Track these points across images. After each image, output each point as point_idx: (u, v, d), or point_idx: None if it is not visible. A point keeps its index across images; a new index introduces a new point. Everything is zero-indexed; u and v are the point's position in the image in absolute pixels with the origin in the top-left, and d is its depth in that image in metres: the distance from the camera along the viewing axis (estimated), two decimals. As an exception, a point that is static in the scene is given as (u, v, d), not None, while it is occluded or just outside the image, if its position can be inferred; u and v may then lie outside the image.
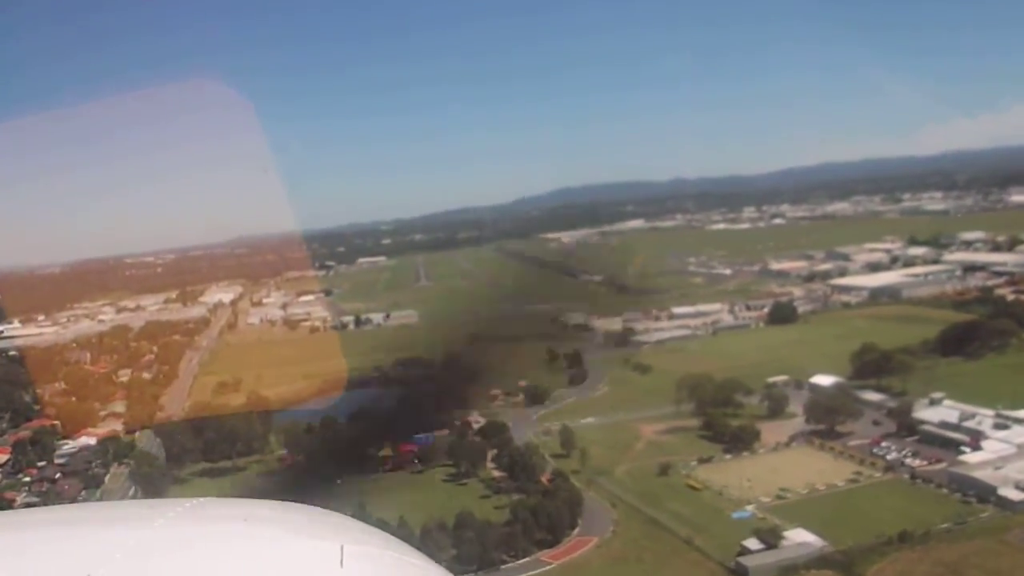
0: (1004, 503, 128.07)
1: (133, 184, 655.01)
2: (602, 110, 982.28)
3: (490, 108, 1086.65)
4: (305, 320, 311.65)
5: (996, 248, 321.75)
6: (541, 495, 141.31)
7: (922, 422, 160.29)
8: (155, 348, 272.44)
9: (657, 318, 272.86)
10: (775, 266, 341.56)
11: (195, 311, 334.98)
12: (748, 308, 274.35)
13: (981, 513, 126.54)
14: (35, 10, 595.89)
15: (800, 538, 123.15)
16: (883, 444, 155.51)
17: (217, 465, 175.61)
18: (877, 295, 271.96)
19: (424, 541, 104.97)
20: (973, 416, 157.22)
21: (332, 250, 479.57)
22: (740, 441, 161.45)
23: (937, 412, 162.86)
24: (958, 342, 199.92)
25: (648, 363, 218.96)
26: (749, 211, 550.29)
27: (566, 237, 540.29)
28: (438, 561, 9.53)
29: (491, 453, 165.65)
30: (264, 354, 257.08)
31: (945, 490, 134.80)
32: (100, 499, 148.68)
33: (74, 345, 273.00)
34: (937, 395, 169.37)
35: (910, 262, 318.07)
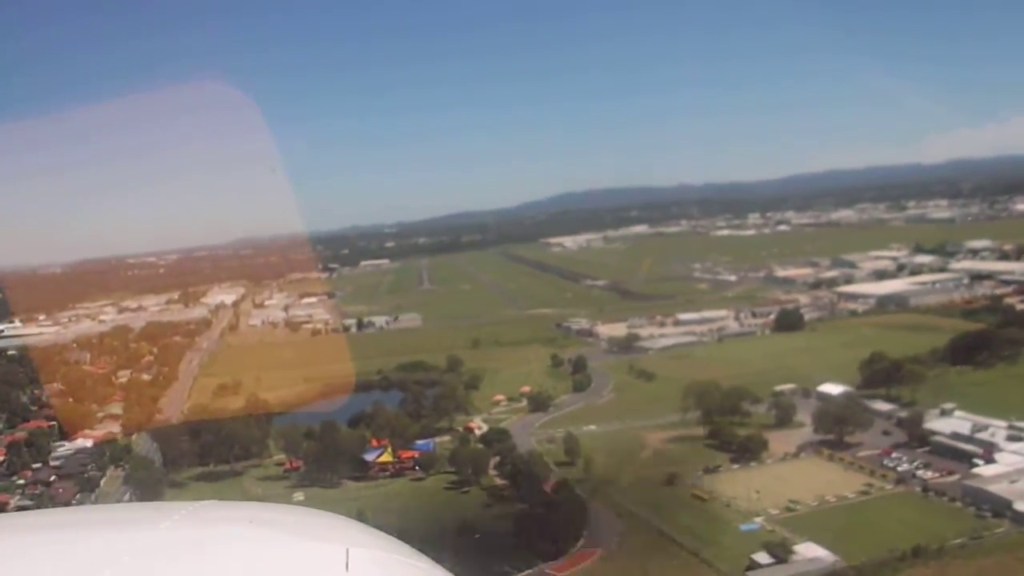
0: (1020, 518, 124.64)
1: (137, 184, 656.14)
2: (606, 115, 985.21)
3: (495, 112, 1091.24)
4: (307, 322, 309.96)
5: (1003, 257, 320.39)
6: (545, 505, 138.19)
7: (933, 433, 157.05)
8: (155, 349, 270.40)
9: (662, 324, 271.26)
10: (780, 273, 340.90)
11: (196, 312, 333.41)
12: (754, 315, 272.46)
13: (997, 528, 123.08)
14: (41, 11, 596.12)
15: (811, 552, 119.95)
16: (894, 455, 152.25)
17: (214, 469, 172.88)
18: (884, 303, 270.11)
19: (423, 551, 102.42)
20: (986, 428, 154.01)
21: (335, 252, 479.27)
22: (747, 451, 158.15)
23: (948, 423, 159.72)
24: (968, 351, 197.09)
25: (653, 370, 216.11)
26: (754, 217, 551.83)
27: (569, 242, 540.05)
28: (444, 565, 9.40)
29: (493, 460, 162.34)
30: (265, 356, 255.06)
31: (959, 504, 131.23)
32: (95, 503, 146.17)
33: (74, 345, 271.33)
34: (948, 405, 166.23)
35: (917, 270, 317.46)
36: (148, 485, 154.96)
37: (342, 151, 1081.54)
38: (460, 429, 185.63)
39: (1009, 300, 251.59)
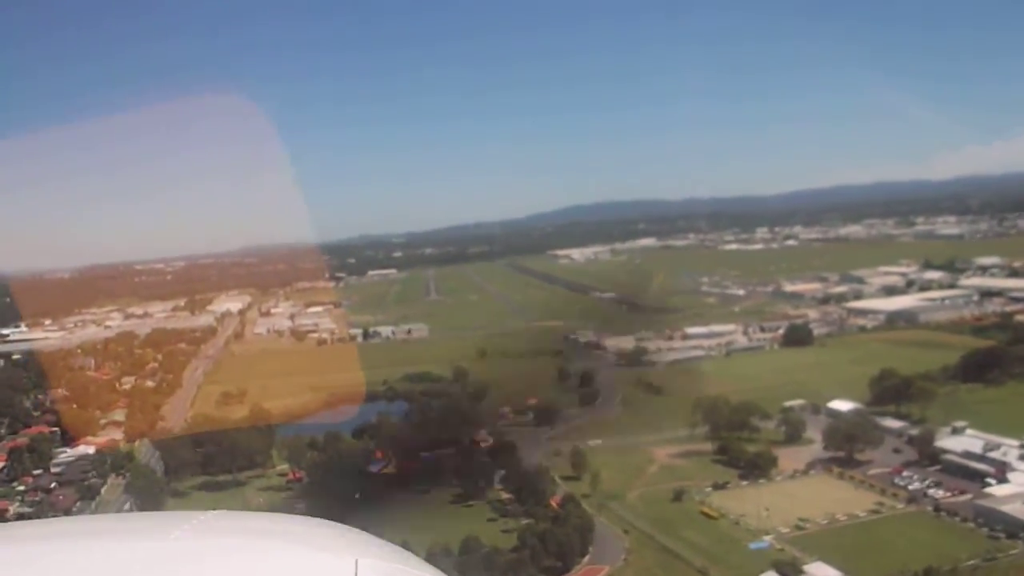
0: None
1: (146, 191, 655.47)
2: (615, 127, 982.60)
3: (504, 123, 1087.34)
4: (313, 332, 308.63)
5: (1013, 274, 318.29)
6: (550, 520, 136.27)
7: (944, 451, 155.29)
8: (160, 356, 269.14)
9: (670, 338, 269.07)
10: (789, 288, 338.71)
11: (202, 320, 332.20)
12: (762, 329, 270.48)
13: (1011, 550, 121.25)
14: (51, 18, 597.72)
15: (821, 572, 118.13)
16: (904, 474, 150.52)
17: (217, 479, 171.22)
18: (894, 319, 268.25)
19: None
20: (998, 447, 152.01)
21: (342, 261, 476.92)
22: (756, 467, 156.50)
23: (959, 441, 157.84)
24: (978, 369, 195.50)
25: (661, 384, 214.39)
26: (762, 231, 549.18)
27: (577, 254, 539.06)
28: None
29: (499, 474, 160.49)
30: (270, 365, 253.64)
31: (971, 524, 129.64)
32: (96, 511, 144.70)
33: (79, 351, 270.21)
34: (959, 424, 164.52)
35: (926, 286, 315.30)
36: (149, 494, 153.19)
37: (350, 160, 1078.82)
38: (465, 442, 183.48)
39: (1020, 317, 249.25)
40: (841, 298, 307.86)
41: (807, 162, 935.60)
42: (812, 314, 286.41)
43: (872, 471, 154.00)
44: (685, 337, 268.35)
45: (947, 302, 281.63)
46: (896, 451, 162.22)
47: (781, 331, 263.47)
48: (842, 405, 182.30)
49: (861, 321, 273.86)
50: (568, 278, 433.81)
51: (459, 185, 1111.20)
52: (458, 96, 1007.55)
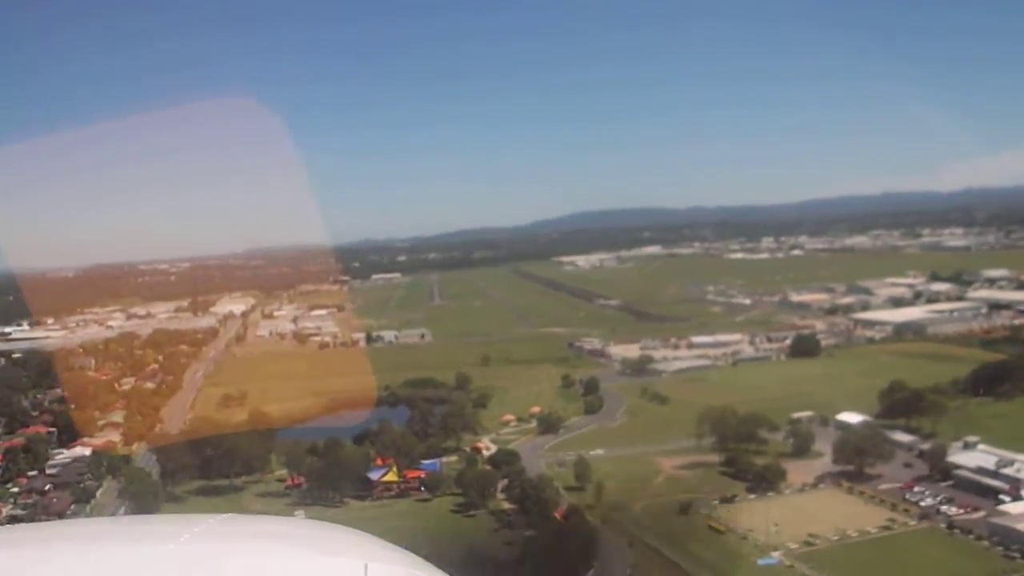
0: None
1: (152, 192, 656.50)
2: (621, 136, 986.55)
3: (511, 130, 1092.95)
4: (315, 335, 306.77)
5: (1021, 286, 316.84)
6: (554, 532, 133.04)
7: (957, 467, 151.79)
8: (160, 357, 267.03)
9: (676, 346, 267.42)
10: (795, 298, 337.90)
11: (205, 321, 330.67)
12: (769, 340, 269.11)
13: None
14: (55, 19, 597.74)
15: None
16: (916, 489, 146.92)
17: (214, 483, 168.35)
18: (902, 331, 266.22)
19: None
20: (1011, 463, 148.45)
21: (347, 265, 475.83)
22: (765, 480, 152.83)
23: (971, 457, 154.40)
24: (989, 382, 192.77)
25: (667, 393, 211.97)
26: (767, 241, 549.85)
27: (582, 261, 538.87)
28: None
29: (501, 483, 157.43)
30: (271, 368, 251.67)
31: (986, 542, 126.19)
32: (90, 515, 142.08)
33: (80, 350, 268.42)
34: (971, 438, 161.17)
35: (934, 298, 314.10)
36: (144, 498, 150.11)
37: (356, 164, 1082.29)
38: (468, 449, 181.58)
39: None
40: (848, 309, 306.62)
41: (813, 172, 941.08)
42: (819, 325, 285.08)
43: (882, 486, 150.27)
44: (691, 346, 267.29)
45: (955, 314, 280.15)
46: (907, 465, 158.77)
47: (788, 341, 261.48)
48: (851, 418, 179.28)
49: (869, 332, 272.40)
50: (573, 285, 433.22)
51: (465, 191, 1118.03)
52: (465, 102, 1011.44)
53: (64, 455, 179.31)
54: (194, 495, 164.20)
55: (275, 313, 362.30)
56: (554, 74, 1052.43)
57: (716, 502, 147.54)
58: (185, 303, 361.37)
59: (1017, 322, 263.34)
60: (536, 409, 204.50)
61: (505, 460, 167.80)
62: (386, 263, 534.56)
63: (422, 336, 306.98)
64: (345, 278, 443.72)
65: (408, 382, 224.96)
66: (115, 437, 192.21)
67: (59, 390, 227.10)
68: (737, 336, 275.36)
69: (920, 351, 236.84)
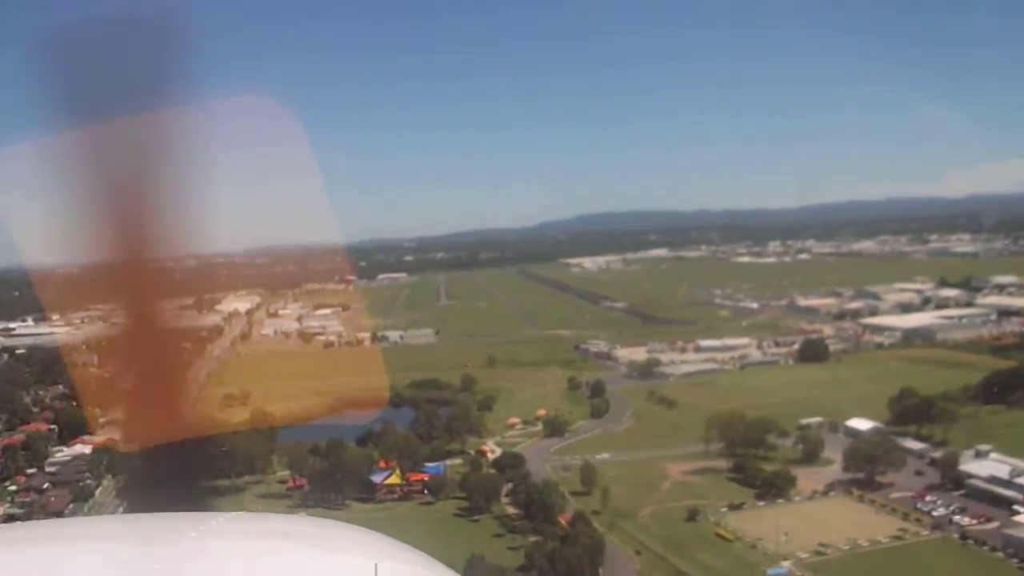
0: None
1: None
2: (628, 139, 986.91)
3: (518, 132, 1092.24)
4: (320, 334, 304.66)
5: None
6: (559, 539, 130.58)
7: (969, 476, 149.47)
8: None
9: (683, 350, 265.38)
10: (803, 302, 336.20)
11: (209, 319, 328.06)
12: (777, 344, 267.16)
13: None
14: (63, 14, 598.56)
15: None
16: (927, 498, 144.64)
17: (214, 484, 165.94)
18: (910, 336, 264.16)
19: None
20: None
21: (353, 264, 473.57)
22: (774, 487, 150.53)
23: (984, 465, 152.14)
24: (1000, 390, 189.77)
25: (674, 397, 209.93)
26: (774, 245, 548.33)
27: (589, 263, 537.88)
28: None
29: (506, 487, 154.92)
30: (275, 367, 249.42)
31: (1000, 554, 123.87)
32: (88, 514, 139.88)
33: (83, 347, 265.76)
34: (983, 447, 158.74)
35: (942, 304, 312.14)
36: (142, 498, 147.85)
37: (364, 163, 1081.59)
38: (472, 452, 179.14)
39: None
40: (856, 314, 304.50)
41: (820, 177, 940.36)
42: (827, 329, 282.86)
43: (894, 494, 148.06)
44: (698, 349, 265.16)
45: (964, 320, 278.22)
46: (918, 474, 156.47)
47: (796, 346, 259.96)
48: (861, 424, 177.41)
49: (877, 338, 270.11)
50: (579, 286, 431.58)
51: (472, 192, 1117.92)
52: (474, 104, 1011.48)
53: (64, 453, 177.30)
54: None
55: (280, 312, 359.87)
56: (562, 77, 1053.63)
57: (724, 509, 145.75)
58: (189, 300, 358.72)
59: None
60: (542, 412, 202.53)
61: (510, 463, 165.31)
62: (392, 262, 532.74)
63: (421, 336, 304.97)
64: (351, 277, 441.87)
65: (413, 383, 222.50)
66: (116, 435, 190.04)
67: (61, 387, 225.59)
68: (745, 340, 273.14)
69: (929, 357, 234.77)
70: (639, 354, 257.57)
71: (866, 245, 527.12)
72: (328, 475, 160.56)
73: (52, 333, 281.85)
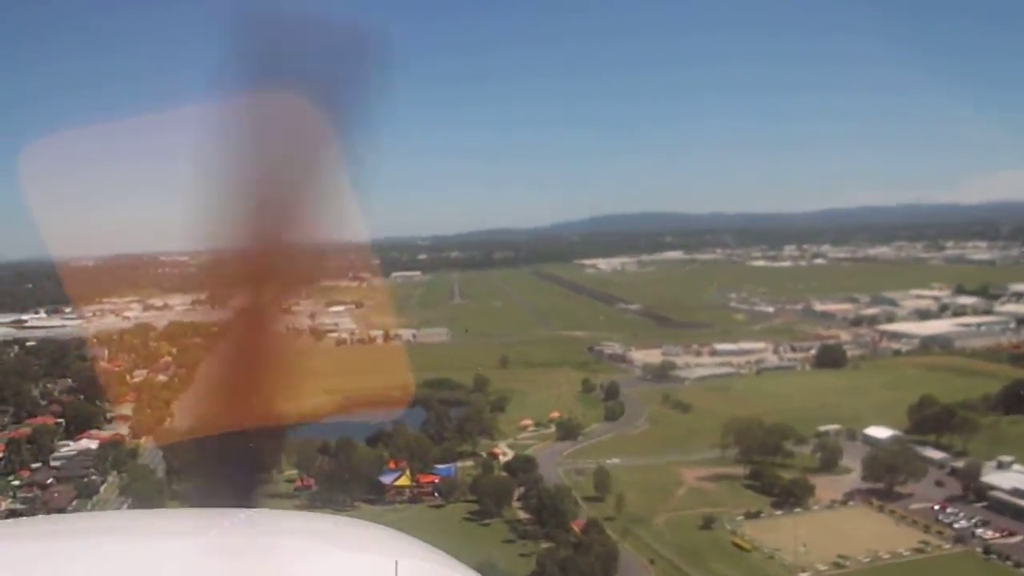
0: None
1: (173, 182, 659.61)
2: (643, 142, 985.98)
3: (534, 133, 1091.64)
4: (332, 331, 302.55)
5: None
6: (572, 546, 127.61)
7: (991, 488, 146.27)
8: (174, 350, 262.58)
9: (698, 353, 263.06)
10: (819, 307, 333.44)
11: (222, 314, 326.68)
12: (793, 349, 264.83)
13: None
14: (86, 8, 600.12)
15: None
16: (949, 510, 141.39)
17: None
18: (928, 344, 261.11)
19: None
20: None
21: (367, 262, 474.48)
22: (792, 495, 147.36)
23: (1007, 477, 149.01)
24: (1021, 399, 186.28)
25: (689, 401, 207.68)
26: (789, 249, 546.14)
27: (603, 264, 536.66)
28: None
29: (517, 491, 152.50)
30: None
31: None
32: (91, 511, 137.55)
33: (94, 340, 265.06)
34: (1006, 458, 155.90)
35: (960, 311, 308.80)
36: (146, 496, 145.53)
37: (380, 162, 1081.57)
38: (484, 454, 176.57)
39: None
40: (873, 320, 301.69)
41: (835, 182, 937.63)
42: (844, 335, 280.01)
43: (914, 505, 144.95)
44: (713, 353, 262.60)
45: (983, 328, 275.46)
46: (938, 484, 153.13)
47: (813, 351, 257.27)
48: (880, 432, 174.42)
49: (895, 345, 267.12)
50: (594, 288, 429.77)
51: (487, 192, 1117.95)
52: (490, 105, 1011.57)
53: (70, 447, 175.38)
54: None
55: (292, 308, 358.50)
56: (579, 80, 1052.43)
57: (741, 517, 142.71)
58: (203, 295, 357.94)
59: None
60: (555, 414, 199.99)
61: (522, 467, 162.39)
62: (406, 261, 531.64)
63: (433, 335, 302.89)
64: (365, 275, 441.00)
65: (424, 382, 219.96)
66: (123, 430, 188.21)
67: (69, 380, 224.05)
68: (761, 344, 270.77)
69: (948, 365, 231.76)
70: (654, 356, 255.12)
71: (882, 251, 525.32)
72: (337, 475, 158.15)
73: (63, 326, 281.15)
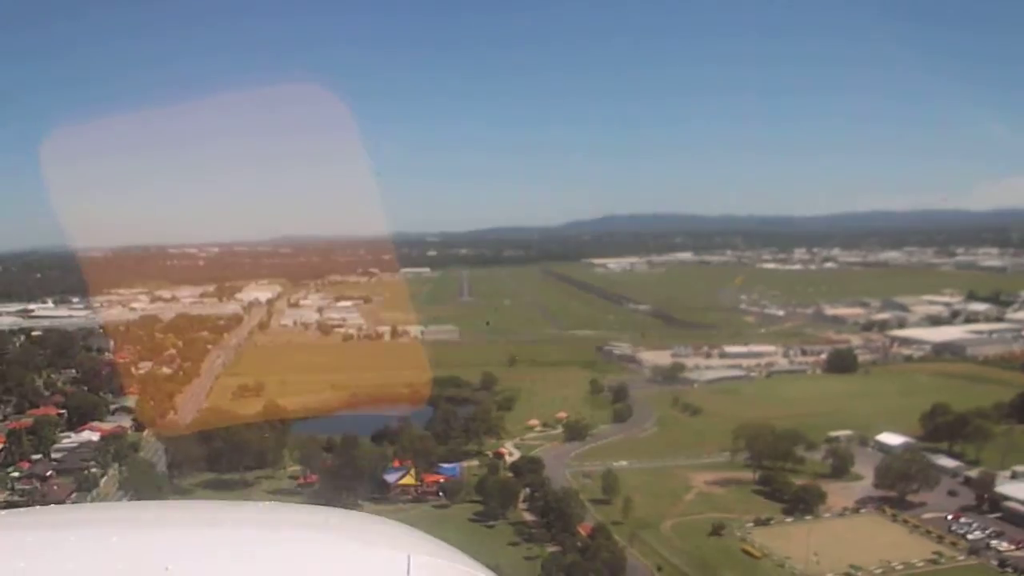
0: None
1: (185, 175, 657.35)
2: (655, 142, 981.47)
3: (546, 131, 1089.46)
4: (340, 326, 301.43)
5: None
6: (579, 551, 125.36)
7: (1006, 498, 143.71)
8: (180, 343, 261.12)
9: (708, 355, 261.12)
10: (830, 311, 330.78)
11: (229, 307, 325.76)
12: (804, 352, 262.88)
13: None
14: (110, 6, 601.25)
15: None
16: (962, 520, 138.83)
17: (223, 477, 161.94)
18: (940, 350, 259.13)
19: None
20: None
21: (376, 257, 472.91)
22: (802, 502, 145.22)
23: (1021, 488, 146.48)
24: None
25: (699, 404, 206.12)
26: (800, 252, 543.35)
27: (613, 263, 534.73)
28: None
29: (523, 493, 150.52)
30: (292, 359, 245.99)
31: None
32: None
33: (100, 331, 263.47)
34: (1020, 468, 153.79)
35: (971, 317, 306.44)
36: (147, 489, 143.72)
37: (390, 157, 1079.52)
38: (490, 454, 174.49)
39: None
40: (884, 325, 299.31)
41: (845, 186, 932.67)
42: (855, 340, 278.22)
43: (927, 515, 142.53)
44: (723, 355, 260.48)
45: (995, 335, 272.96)
46: (951, 493, 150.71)
47: (823, 355, 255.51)
48: (892, 439, 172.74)
49: (906, 350, 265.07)
50: (603, 287, 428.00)
51: (497, 189, 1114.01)
52: (502, 102, 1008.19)
53: (71, 439, 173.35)
54: (202, 488, 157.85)
55: (301, 302, 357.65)
56: (592, 78, 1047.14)
57: (750, 524, 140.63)
58: (211, 288, 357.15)
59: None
60: (562, 415, 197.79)
61: (528, 468, 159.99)
62: (416, 257, 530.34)
63: (441, 332, 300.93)
64: (374, 270, 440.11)
65: (432, 380, 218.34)
66: (125, 423, 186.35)
67: (73, 370, 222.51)
68: (771, 347, 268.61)
69: (960, 372, 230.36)
70: (663, 358, 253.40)
71: (892, 255, 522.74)
72: (340, 472, 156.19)
73: (70, 316, 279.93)
